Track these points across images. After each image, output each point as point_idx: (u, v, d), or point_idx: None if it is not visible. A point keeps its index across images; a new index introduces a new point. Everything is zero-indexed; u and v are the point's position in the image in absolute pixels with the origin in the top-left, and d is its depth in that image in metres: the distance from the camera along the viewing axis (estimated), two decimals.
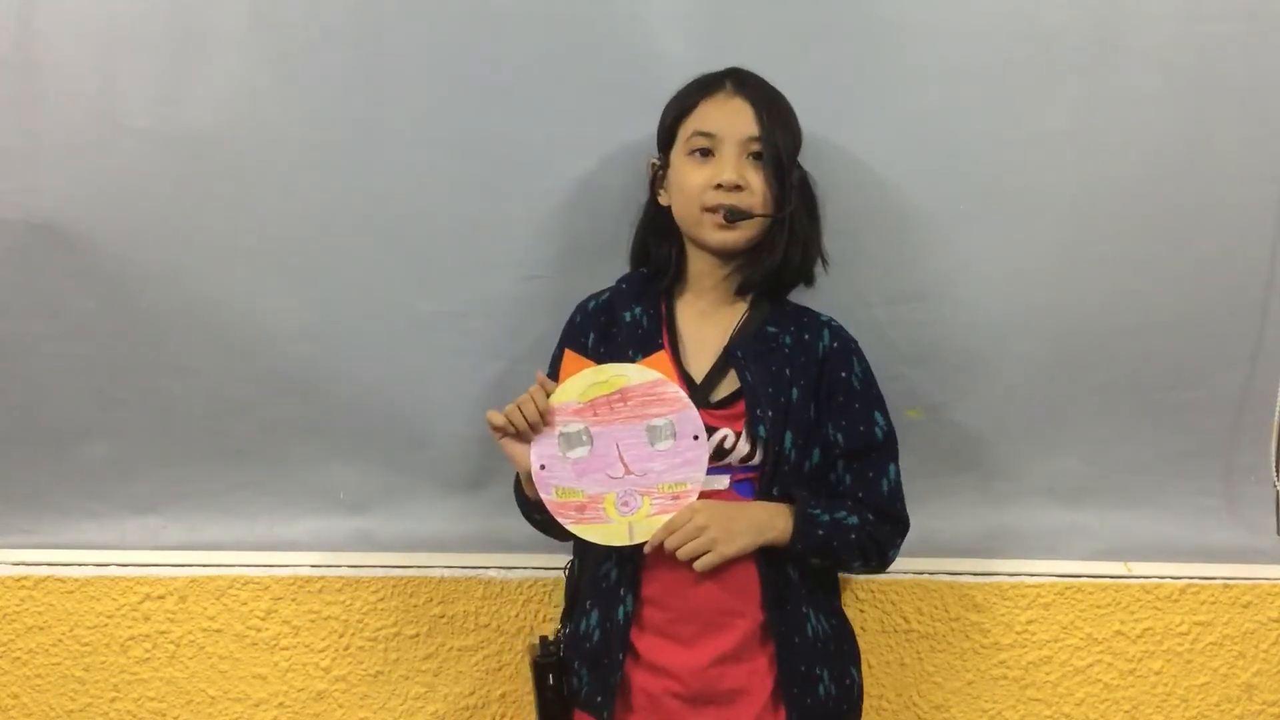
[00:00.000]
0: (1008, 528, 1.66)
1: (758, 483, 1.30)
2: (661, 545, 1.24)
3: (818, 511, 1.28)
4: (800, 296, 1.40)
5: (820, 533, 1.27)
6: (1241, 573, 1.67)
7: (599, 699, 1.31)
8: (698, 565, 1.23)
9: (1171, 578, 1.67)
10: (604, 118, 1.46)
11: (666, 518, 1.25)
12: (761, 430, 1.28)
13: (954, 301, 1.54)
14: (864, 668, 1.40)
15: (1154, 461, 1.63)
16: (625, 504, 1.26)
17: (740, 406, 1.30)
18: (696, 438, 1.26)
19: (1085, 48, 1.46)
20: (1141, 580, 1.67)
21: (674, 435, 1.26)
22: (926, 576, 1.67)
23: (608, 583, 1.32)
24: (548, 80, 1.48)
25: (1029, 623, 1.67)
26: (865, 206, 1.50)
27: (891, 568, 1.44)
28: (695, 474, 1.25)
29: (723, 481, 1.29)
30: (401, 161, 1.51)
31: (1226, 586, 1.67)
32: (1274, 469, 1.61)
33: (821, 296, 1.42)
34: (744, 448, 1.29)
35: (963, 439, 1.61)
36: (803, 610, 1.30)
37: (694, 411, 1.26)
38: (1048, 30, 1.46)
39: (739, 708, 1.28)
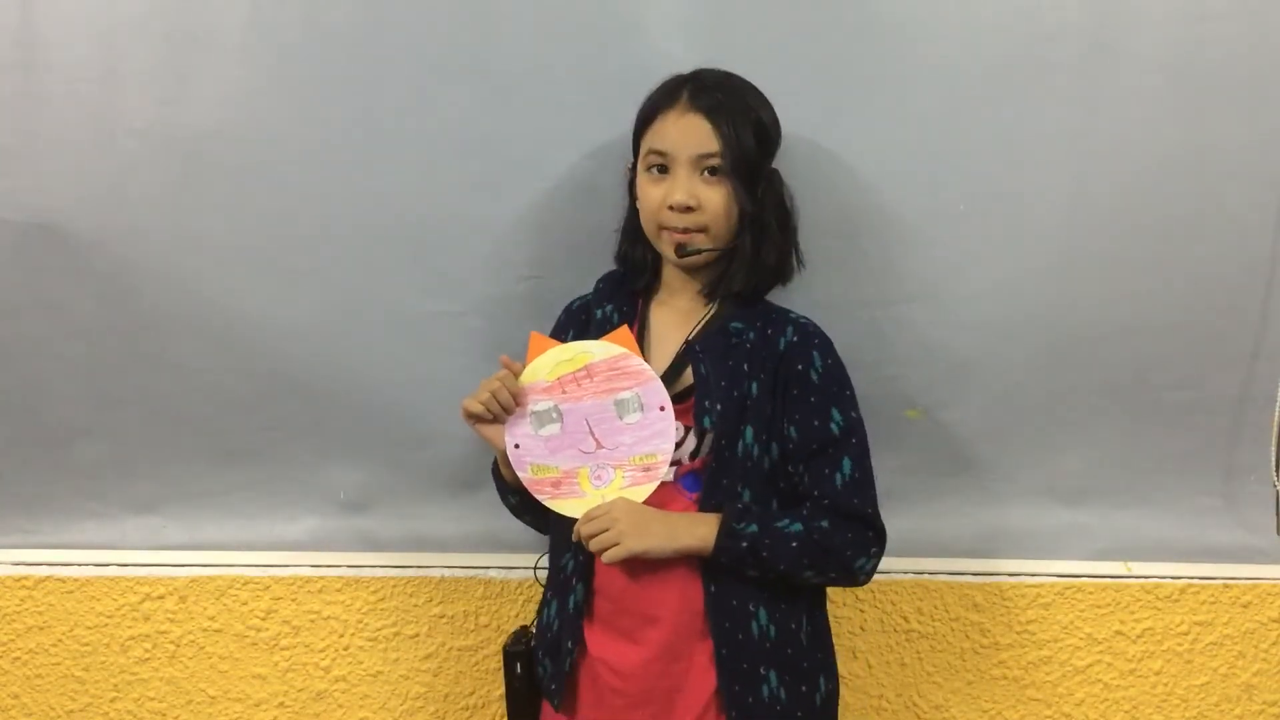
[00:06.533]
0: (1008, 528, 1.66)
1: (704, 476, 1.28)
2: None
3: (742, 525, 1.23)
4: (800, 297, 1.40)
5: (744, 544, 1.22)
6: (1241, 573, 1.67)
7: (553, 687, 1.33)
8: (604, 558, 1.23)
9: (1171, 578, 1.67)
10: (602, 119, 1.46)
11: (639, 489, 1.26)
12: (707, 421, 1.26)
13: (952, 302, 1.54)
14: (864, 668, 1.40)
15: (1154, 461, 1.62)
16: (598, 477, 1.27)
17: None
18: (663, 409, 1.26)
19: (1085, 48, 1.46)
20: (1141, 580, 1.67)
21: (641, 408, 1.26)
22: (926, 576, 1.66)
23: (564, 574, 1.33)
24: (546, 81, 1.48)
25: (1029, 623, 1.67)
26: (864, 207, 1.50)
27: (891, 567, 1.42)
28: (664, 445, 1.26)
29: (668, 474, 1.28)
30: (401, 162, 1.51)
31: (1226, 586, 1.67)
32: (1274, 469, 1.60)
33: (819, 297, 1.42)
34: (692, 442, 1.28)
35: (962, 439, 1.61)
36: (749, 607, 1.26)
37: (659, 383, 1.26)
38: (1047, 30, 1.46)
39: (679, 706, 1.27)
